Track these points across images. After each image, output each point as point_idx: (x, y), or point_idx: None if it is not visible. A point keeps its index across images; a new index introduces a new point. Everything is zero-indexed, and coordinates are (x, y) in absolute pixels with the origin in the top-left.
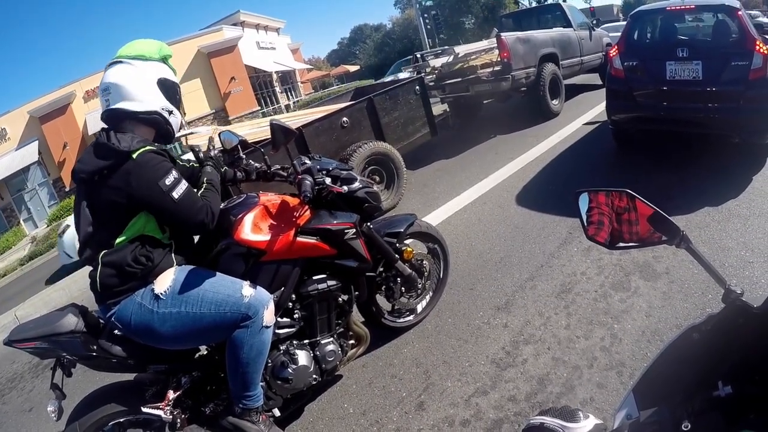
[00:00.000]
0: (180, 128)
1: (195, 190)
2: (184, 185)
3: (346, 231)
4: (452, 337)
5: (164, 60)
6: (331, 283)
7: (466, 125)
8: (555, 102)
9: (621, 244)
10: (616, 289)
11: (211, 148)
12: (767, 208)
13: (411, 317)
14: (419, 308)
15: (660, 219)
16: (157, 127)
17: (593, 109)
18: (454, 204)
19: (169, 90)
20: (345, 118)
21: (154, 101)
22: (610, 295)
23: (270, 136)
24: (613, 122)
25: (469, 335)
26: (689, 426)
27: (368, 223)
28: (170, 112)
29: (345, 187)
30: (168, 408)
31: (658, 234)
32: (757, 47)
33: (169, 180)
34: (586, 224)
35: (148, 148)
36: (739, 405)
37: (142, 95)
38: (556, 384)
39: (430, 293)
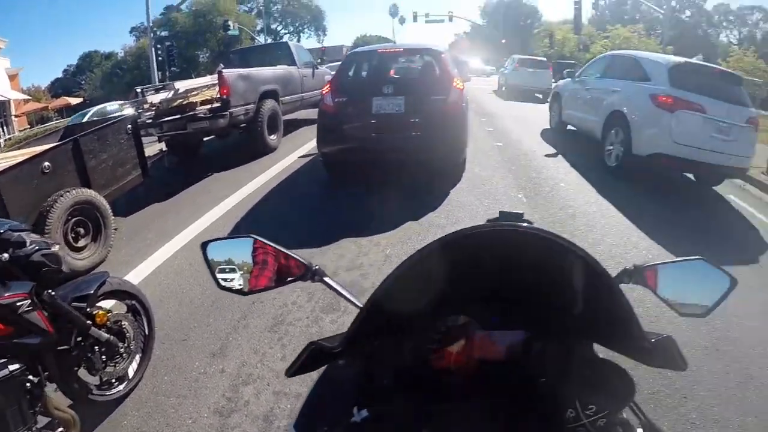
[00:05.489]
0: None
1: None
2: None
3: (19, 303)
4: (171, 395)
5: None
6: (12, 367)
7: (183, 164)
8: (273, 137)
9: (260, 288)
10: (327, 311)
11: None
12: (462, 215)
13: (122, 386)
14: (131, 373)
15: (289, 258)
16: None
17: (310, 142)
18: (165, 251)
19: None
20: (47, 163)
21: None
22: (322, 319)
23: None
24: (323, 154)
25: (187, 390)
26: None
27: (50, 291)
28: None
29: (5, 255)
30: None
31: (293, 273)
32: (455, 84)
33: None
34: (224, 273)
35: None
36: (375, 428)
37: None
38: (282, 418)
39: (139, 354)
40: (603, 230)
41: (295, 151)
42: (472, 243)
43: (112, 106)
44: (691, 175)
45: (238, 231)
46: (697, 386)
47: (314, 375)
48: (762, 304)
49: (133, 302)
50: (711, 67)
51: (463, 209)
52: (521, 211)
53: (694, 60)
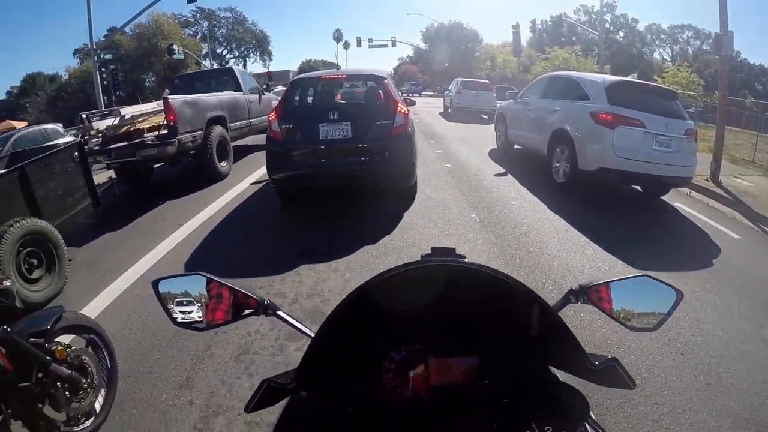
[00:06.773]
0: None
1: None
2: None
3: None
4: (141, 429)
5: None
6: None
7: (134, 192)
8: (223, 164)
9: (217, 323)
10: (291, 339)
11: None
12: (417, 237)
13: (89, 422)
14: (97, 407)
15: (241, 293)
16: None
17: (261, 169)
18: (122, 282)
19: None
20: None
21: None
22: (287, 347)
23: None
24: (274, 181)
25: (157, 424)
26: None
27: (5, 327)
28: None
29: None
30: None
31: (246, 308)
32: (399, 109)
33: None
34: (182, 306)
35: None
36: None
37: None
38: None
39: (104, 389)
40: (558, 245)
41: (247, 177)
42: (401, 281)
43: (33, 133)
44: (638, 187)
45: (196, 260)
46: (668, 391)
47: (284, 404)
48: (722, 306)
49: (92, 336)
50: (646, 84)
51: (418, 231)
52: (453, 246)
53: (629, 78)
